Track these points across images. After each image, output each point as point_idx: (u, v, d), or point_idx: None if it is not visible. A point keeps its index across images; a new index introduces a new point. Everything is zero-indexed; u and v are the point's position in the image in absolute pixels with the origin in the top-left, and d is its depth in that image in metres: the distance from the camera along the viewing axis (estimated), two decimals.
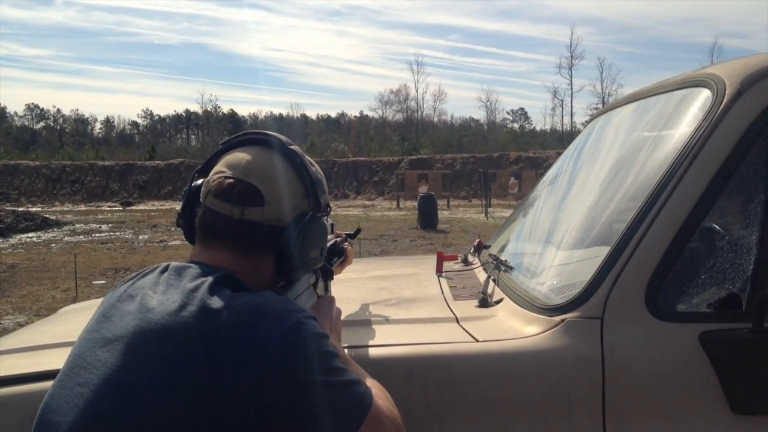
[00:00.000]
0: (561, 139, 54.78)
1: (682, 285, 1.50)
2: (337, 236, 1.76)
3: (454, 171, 34.05)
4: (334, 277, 1.71)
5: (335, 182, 34.05)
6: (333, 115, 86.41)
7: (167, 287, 1.04)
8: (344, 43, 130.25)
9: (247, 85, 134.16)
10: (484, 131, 69.08)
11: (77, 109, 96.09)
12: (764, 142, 1.54)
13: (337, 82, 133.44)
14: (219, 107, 76.51)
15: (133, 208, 30.85)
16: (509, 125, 77.85)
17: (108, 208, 30.95)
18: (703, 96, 1.66)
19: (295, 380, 0.94)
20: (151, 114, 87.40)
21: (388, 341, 1.49)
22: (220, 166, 1.12)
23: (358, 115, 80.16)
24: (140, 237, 16.57)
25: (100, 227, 19.83)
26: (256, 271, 1.10)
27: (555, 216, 2.14)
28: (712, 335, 1.39)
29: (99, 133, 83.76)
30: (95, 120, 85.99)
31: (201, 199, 1.12)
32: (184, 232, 1.19)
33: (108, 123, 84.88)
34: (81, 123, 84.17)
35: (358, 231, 1.92)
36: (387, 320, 1.67)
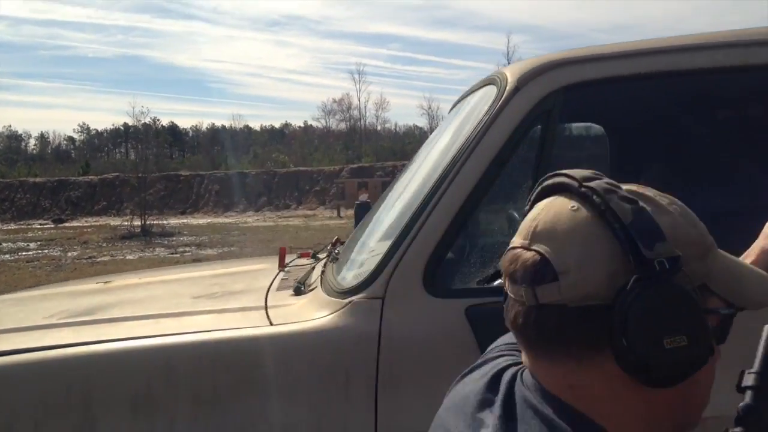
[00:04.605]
0: None
1: (457, 265, 1.64)
2: None
3: (394, 178, 34.25)
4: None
5: (276, 193, 33.87)
6: (277, 125, 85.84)
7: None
8: (285, 53, 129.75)
9: (187, 97, 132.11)
10: (428, 138, 69.70)
11: (10, 126, 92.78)
12: (535, 133, 1.70)
13: (280, 92, 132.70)
14: (158, 119, 74.91)
15: (66, 225, 29.94)
16: None
17: (39, 226, 29.94)
18: (491, 92, 1.81)
19: None
20: (88, 128, 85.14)
21: (183, 330, 1.58)
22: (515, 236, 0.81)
23: (302, 125, 79.95)
24: (69, 254, 16.13)
25: (28, 245, 19.19)
26: (602, 388, 0.72)
27: (385, 212, 2.27)
28: (476, 309, 1.53)
29: (33, 149, 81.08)
30: (29, 136, 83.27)
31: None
32: None
33: (43, 139, 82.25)
34: (14, 140, 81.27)
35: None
36: (198, 312, 1.75)
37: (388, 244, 1.86)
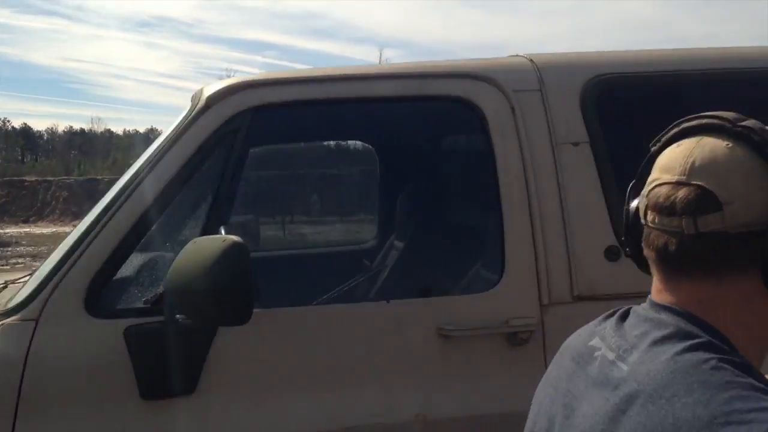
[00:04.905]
0: None
1: (125, 285, 1.61)
2: None
3: None
4: None
5: None
6: (142, 130, 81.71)
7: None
8: (155, 55, 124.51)
9: (44, 98, 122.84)
10: None
11: None
12: (220, 150, 1.70)
13: (147, 95, 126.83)
14: (8, 120, 69.16)
15: None
16: None
17: None
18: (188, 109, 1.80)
19: None
20: None
21: None
22: (655, 173, 0.89)
23: None
24: None
25: None
26: (738, 303, 0.83)
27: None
28: (134, 329, 1.50)
29: None
30: None
31: (641, 218, 0.90)
32: (636, 262, 0.95)
33: None
34: None
35: None
36: None
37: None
